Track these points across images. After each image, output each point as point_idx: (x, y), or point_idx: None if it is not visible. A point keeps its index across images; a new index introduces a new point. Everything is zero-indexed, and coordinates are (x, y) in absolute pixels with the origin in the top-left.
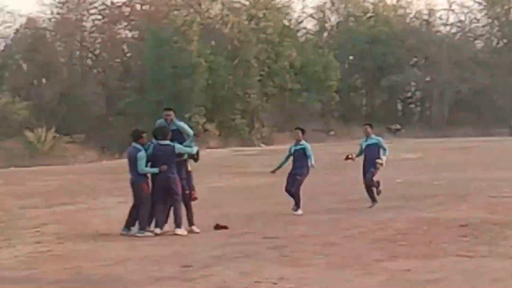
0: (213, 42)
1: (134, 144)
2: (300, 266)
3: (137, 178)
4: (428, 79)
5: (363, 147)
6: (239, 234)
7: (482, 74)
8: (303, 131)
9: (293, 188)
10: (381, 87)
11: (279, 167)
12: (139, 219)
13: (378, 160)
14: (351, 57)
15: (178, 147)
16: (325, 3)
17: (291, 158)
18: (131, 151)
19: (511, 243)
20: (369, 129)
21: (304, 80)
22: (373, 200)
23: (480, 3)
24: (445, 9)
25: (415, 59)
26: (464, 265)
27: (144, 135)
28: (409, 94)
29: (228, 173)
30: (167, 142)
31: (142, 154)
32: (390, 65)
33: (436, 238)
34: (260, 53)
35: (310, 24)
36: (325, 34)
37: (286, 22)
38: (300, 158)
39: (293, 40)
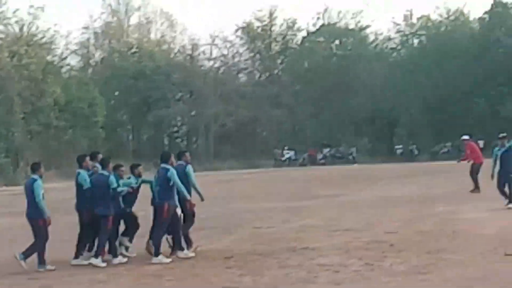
0: None
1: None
2: None
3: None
4: (193, 113)
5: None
6: None
7: (246, 107)
8: None
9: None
10: (147, 122)
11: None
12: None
13: None
14: (116, 93)
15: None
16: (88, 39)
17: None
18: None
19: (274, 273)
20: None
21: (70, 117)
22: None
23: (242, 38)
24: (208, 44)
25: (180, 94)
26: None
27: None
28: (175, 129)
29: None
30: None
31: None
32: (156, 100)
33: (203, 271)
34: (24, 90)
35: (74, 61)
36: (90, 70)
37: (49, 59)
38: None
39: (57, 76)
